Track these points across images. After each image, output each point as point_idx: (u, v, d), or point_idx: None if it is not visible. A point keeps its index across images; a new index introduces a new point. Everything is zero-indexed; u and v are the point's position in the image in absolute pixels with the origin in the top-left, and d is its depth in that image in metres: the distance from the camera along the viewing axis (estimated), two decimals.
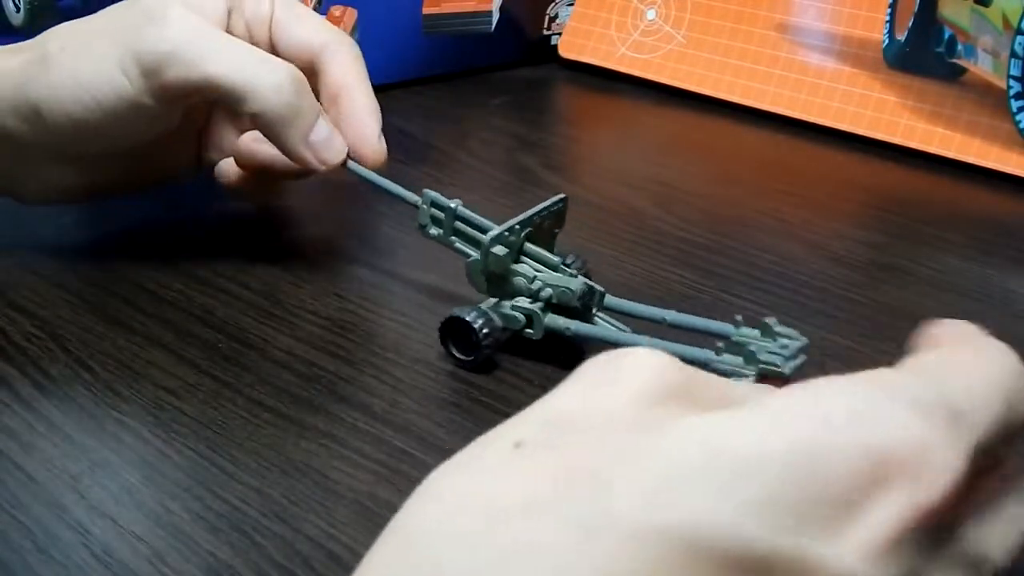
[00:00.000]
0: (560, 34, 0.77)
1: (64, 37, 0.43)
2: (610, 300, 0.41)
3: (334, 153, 0.44)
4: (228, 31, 0.44)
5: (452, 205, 0.42)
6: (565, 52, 0.76)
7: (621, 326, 0.40)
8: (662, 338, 0.38)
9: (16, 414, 0.37)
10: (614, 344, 0.38)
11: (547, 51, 0.78)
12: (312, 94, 0.44)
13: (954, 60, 0.63)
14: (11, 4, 0.59)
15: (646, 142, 0.67)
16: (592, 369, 0.24)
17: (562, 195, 0.42)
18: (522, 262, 0.41)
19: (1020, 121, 0.60)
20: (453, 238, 0.42)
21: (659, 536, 0.20)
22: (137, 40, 0.41)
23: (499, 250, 0.40)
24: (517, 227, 0.40)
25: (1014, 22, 0.60)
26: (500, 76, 0.76)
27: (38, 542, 0.31)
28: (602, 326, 0.40)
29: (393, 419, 0.37)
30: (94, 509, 0.33)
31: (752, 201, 0.57)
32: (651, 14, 0.74)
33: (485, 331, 0.39)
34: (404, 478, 0.34)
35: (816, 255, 0.50)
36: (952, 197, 0.59)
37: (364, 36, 0.70)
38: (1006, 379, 0.24)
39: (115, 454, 0.35)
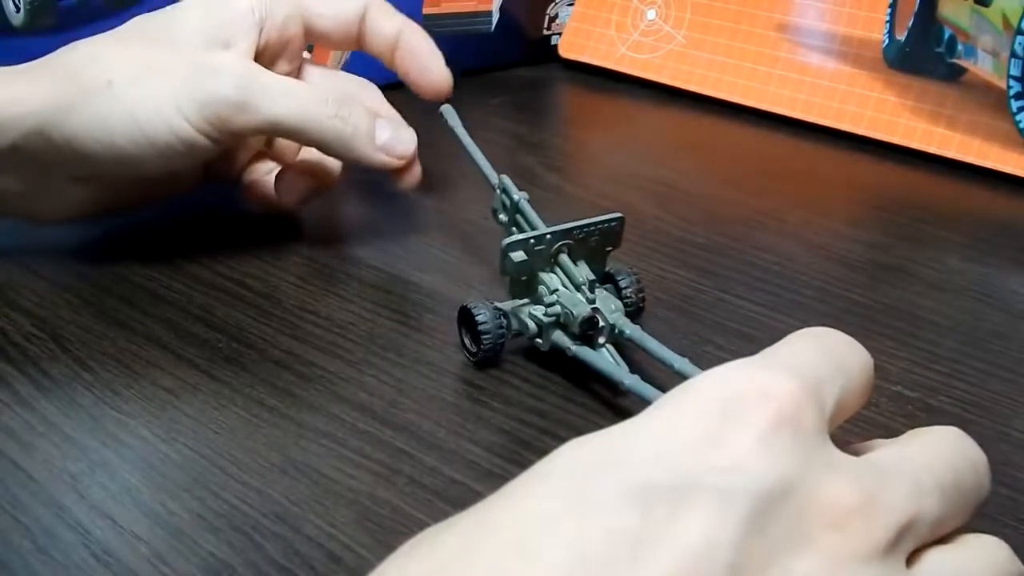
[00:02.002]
0: (560, 34, 0.77)
1: (109, 68, 0.42)
2: (635, 332, 0.38)
3: (404, 145, 0.46)
4: (261, 45, 0.45)
5: (516, 198, 0.44)
6: (565, 52, 0.76)
7: (620, 362, 0.38)
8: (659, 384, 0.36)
9: (16, 414, 0.37)
10: (604, 376, 0.37)
11: (547, 51, 0.78)
12: (360, 105, 0.46)
13: (954, 60, 0.63)
14: (11, 4, 0.59)
15: (646, 142, 0.67)
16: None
17: (618, 214, 0.41)
18: (555, 272, 0.40)
19: (1020, 121, 0.60)
20: (514, 229, 0.44)
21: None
22: (200, 89, 0.42)
23: (517, 256, 0.39)
24: (549, 237, 0.40)
25: (1014, 22, 0.60)
26: (500, 76, 0.75)
27: (38, 542, 0.31)
28: (602, 356, 0.38)
29: (393, 419, 0.37)
30: (94, 509, 0.33)
31: (752, 201, 0.57)
32: (651, 14, 0.74)
33: (487, 327, 0.39)
34: (404, 478, 0.35)
35: (816, 255, 0.50)
36: (952, 197, 0.59)
37: None
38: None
39: (115, 454, 0.35)
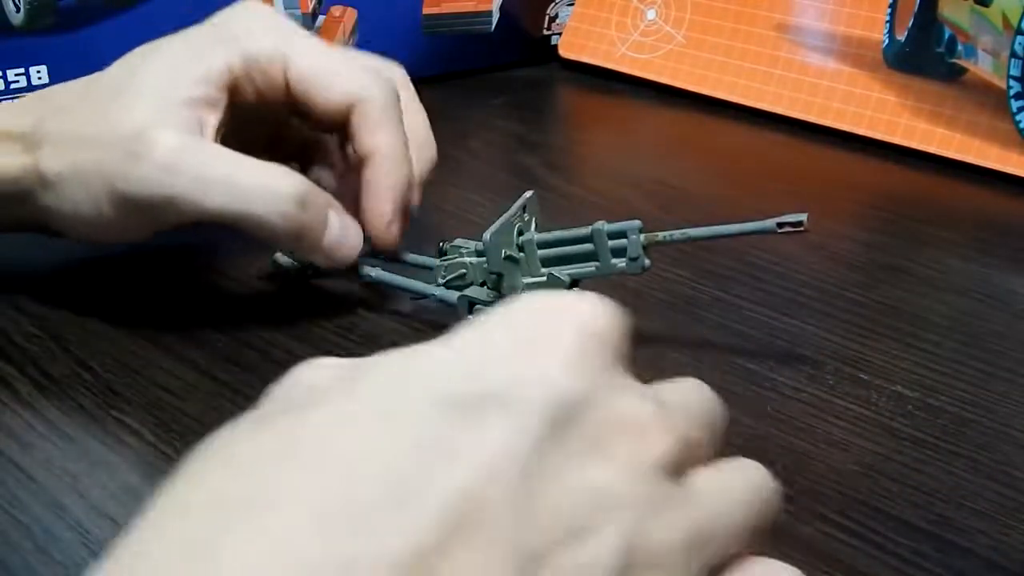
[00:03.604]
0: (560, 34, 0.77)
1: (59, 152, 0.40)
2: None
3: (346, 250, 0.42)
4: (235, 100, 0.42)
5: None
6: (565, 52, 0.76)
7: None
8: None
9: (16, 414, 0.37)
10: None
11: (547, 51, 0.78)
12: (320, 198, 0.41)
13: (954, 60, 0.63)
14: (11, 4, 0.59)
15: (646, 142, 0.67)
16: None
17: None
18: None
19: (1020, 121, 0.60)
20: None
21: None
22: (124, 181, 0.39)
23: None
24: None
25: (1014, 22, 0.60)
26: (500, 76, 0.76)
27: (38, 542, 0.31)
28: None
29: None
30: (94, 509, 0.33)
31: (752, 201, 0.57)
32: (651, 14, 0.74)
33: None
34: None
35: (816, 255, 0.50)
36: (952, 197, 0.59)
37: (364, 36, 0.70)
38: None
39: (115, 454, 0.35)
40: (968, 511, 0.34)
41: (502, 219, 0.41)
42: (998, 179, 0.60)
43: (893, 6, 0.65)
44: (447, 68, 0.74)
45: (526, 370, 0.22)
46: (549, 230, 0.42)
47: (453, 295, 0.42)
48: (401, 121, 0.43)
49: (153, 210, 0.39)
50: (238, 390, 0.39)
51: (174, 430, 0.37)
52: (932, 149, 0.62)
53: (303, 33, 0.43)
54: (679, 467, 0.23)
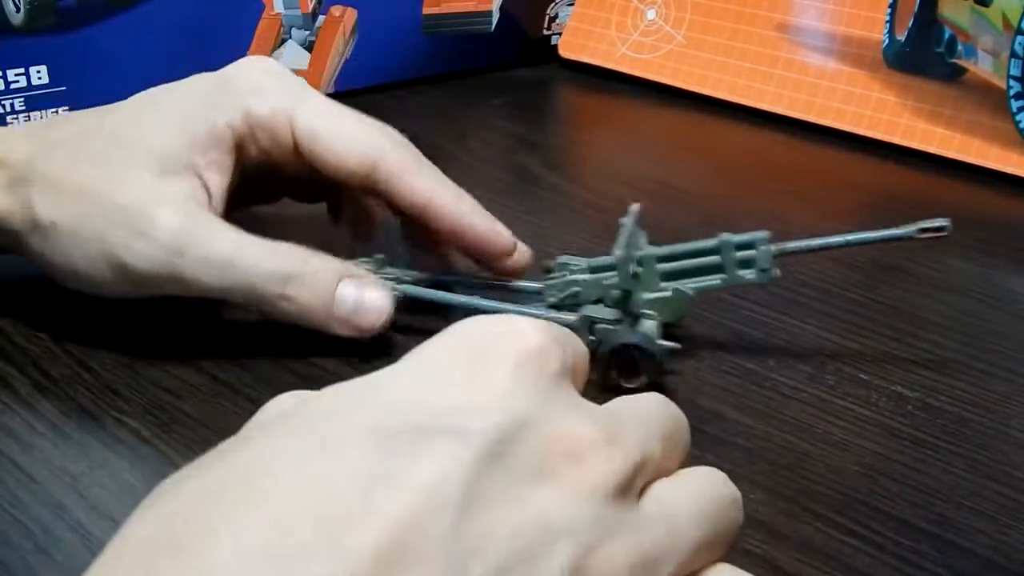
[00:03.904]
0: (560, 34, 0.77)
1: (53, 200, 0.39)
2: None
3: (372, 316, 0.40)
4: (242, 159, 0.41)
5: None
6: (565, 52, 0.76)
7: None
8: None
9: (16, 414, 0.37)
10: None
11: (547, 51, 0.78)
12: (319, 272, 0.39)
13: (954, 60, 0.63)
14: (11, 4, 0.59)
15: (646, 142, 0.67)
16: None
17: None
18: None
19: (1020, 121, 0.60)
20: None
21: None
22: (126, 253, 0.38)
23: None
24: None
25: (1014, 22, 0.60)
26: (500, 76, 0.75)
27: (38, 542, 0.31)
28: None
29: None
30: (94, 509, 0.33)
31: (752, 201, 0.57)
32: (651, 14, 0.74)
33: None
34: None
35: (816, 255, 0.50)
36: (952, 197, 0.59)
37: (364, 36, 0.70)
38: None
39: (115, 454, 0.35)
40: (968, 511, 0.34)
41: (625, 234, 0.40)
42: (998, 179, 0.60)
43: (893, 6, 0.65)
44: (447, 68, 0.74)
45: (465, 398, 0.22)
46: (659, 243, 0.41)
47: (568, 316, 0.40)
48: (427, 162, 0.42)
49: (154, 283, 0.39)
50: (238, 390, 0.39)
51: (174, 430, 0.37)
52: (932, 149, 0.62)
53: (311, 92, 0.42)
54: (631, 486, 0.23)
